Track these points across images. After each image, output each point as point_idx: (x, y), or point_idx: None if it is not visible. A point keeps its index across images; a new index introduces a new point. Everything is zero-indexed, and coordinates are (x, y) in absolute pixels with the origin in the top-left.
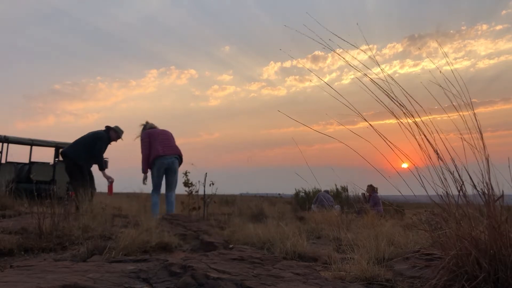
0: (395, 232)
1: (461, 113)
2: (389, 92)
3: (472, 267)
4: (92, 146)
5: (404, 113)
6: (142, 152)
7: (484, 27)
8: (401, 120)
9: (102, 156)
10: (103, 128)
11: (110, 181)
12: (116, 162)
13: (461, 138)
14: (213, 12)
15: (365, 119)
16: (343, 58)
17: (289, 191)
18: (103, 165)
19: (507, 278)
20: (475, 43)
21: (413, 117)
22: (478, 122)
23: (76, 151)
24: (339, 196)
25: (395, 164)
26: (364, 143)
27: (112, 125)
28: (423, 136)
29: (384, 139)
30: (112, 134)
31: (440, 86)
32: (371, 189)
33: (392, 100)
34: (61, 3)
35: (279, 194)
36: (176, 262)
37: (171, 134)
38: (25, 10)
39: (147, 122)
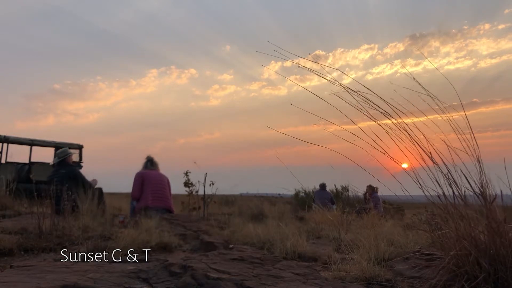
0: (395, 232)
1: (457, 114)
2: (367, 100)
3: (472, 267)
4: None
5: (388, 116)
6: (132, 193)
7: (487, 26)
8: (395, 121)
9: (88, 182)
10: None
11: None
12: (116, 162)
13: (446, 139)
14: (214, 11)
15: (355, 123)
16: (328, 80)
17: (289, 191)
18: (92, 185)
19: (507, 278)
20: (477, 43)
21: (407, 118)
22: (468, 123)
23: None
24: (339, 196)
25: (396, 164)
26: (365, 143)
27: (58, 157)
28: (415, 139)
29: (378, 142)
30: (68, 159)
31: (452, 83)
32: (371, 189)
33: (372, 107)
34: (61, 2)
35: (279, 194)
36: (176, 262)
37: (167, 181)
38: (25, 9)
39: (148, 159)
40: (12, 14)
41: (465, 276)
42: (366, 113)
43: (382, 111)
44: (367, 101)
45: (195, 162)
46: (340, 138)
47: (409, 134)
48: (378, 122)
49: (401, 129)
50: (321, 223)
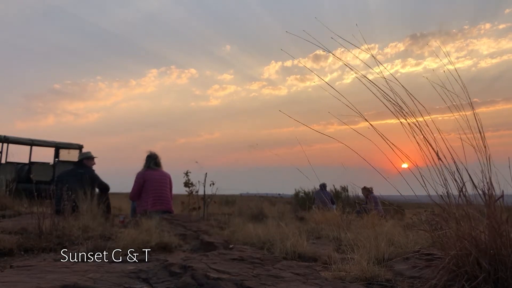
0: (395, 232)
1: (462, 113)
2: (387, 93)
3: (472, 267)
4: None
5: (405, 113)
6: (130, 194)
7: (487, 26)
8: (401, 120)
9: (105, 183)
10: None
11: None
12: (116, 162)
13: (460, 138)
14: (214, 10)
15: (366, 119)
16: (340, 59)
17: (289, 191)
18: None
19: (507, 278)
20: (478, 42)
21: (414, 117)
22: (479, 122)
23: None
24: (339, 196)
25: (396, 164)
26: (364, 143)
27: (78, 158)
28: (422, 137)
29: (385, 139)
30: (87, 162)
31: (443, 85)
32: (367, 191)
33: (390, 101)
34: (61, 2)
35: (279, 194)
36: (176, 262)
37: (169, 180)
38: (25, 9)
39: (151, 158)
40: (12, 14)
41: (465, 276)
42: (392, 110)
43: (398, 108)
44: (386, 96)
45: (196, 162)
46: (341, 137)
47: (421, 132)
48: (395, 120)
49: (416, 128)
50: (321, 223)
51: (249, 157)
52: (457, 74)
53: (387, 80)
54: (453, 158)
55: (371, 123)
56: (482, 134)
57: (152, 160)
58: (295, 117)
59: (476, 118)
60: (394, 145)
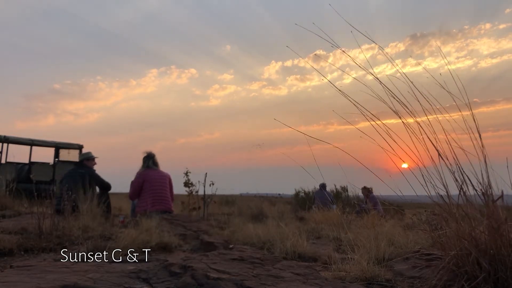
0: (395, 232)
1: (463, 113)
2: (393, 91)
3: (472, 267)
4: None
5: (409, 112)
6: (129, 194)
7: (487, 25)
8: (404, 120)
9: (106, 182)
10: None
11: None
12: (116, 162)
13: (460, 138)
14: (214, 10)
15: (373, 118)
16: (348, 55)
17: (289, 191)
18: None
19: (507, 278)
20: (478, 42)
21: (415, 116)
22: (477, 122)
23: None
24: (339, 196)
25: (396, 164)
26: (364, 143)
27: (78, 159)
28: (425, 136)
29: (390, 139)
30: (87, 163)
31: (445, 84)
32: (367, 190)
33: (396, 100)
34: (61, 2)
35: (279, 194)
36: (176, 262)
37: (168, 180)
38: (25, 9)
39: (148, 157)
40: (12, 14)
41: (465, 276)
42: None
43: (402, 105)
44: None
45: (187, 168)
46: (341, 137)
47: (424, 131)
48: (401, 119)
49: (418, 127)
50: (321, 223)
51: (249, 157)
52: (456, 74)
53: (388, 79)
54: (454, 158)
55: (374, 122)
56: (479, 134)
57: (150, 159)
58: (296, 117)
59: (474, 118)
60: (397, 145)
